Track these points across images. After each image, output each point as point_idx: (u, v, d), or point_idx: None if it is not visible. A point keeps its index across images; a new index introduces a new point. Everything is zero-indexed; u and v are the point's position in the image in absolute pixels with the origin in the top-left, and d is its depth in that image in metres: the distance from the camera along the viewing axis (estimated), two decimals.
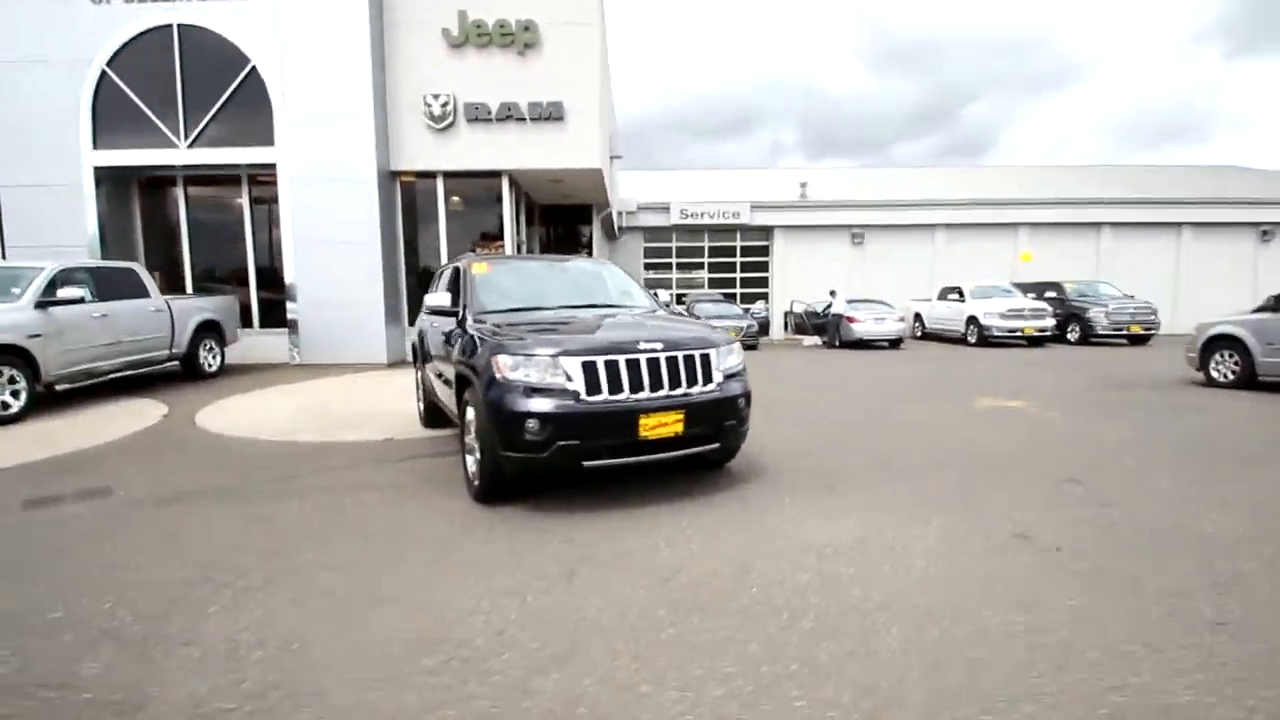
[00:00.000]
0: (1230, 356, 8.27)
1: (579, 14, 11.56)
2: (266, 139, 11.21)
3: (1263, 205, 21.34)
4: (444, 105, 11.58)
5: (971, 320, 16.79)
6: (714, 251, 22.49)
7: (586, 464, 3.56)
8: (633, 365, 3.62)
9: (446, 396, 4.79)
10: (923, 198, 22.18)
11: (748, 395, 4.06)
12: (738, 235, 22.22)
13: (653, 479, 4.23)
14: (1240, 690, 1.94)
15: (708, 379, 3.86)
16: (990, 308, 16.43)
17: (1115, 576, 2.77)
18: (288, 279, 11.48)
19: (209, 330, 9.83)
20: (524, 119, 11.65)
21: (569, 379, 3.52)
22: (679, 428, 3.68)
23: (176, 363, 9.34)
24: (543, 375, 3.53)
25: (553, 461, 3.50)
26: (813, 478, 4.35)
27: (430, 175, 12.09)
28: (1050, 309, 16.55)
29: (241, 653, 2.21)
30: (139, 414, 7.12)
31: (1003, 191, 22.92)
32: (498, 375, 3.56)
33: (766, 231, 21.97)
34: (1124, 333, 16.28)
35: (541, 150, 11.76)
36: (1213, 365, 8.52)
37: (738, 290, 22.05)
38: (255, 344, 11.50)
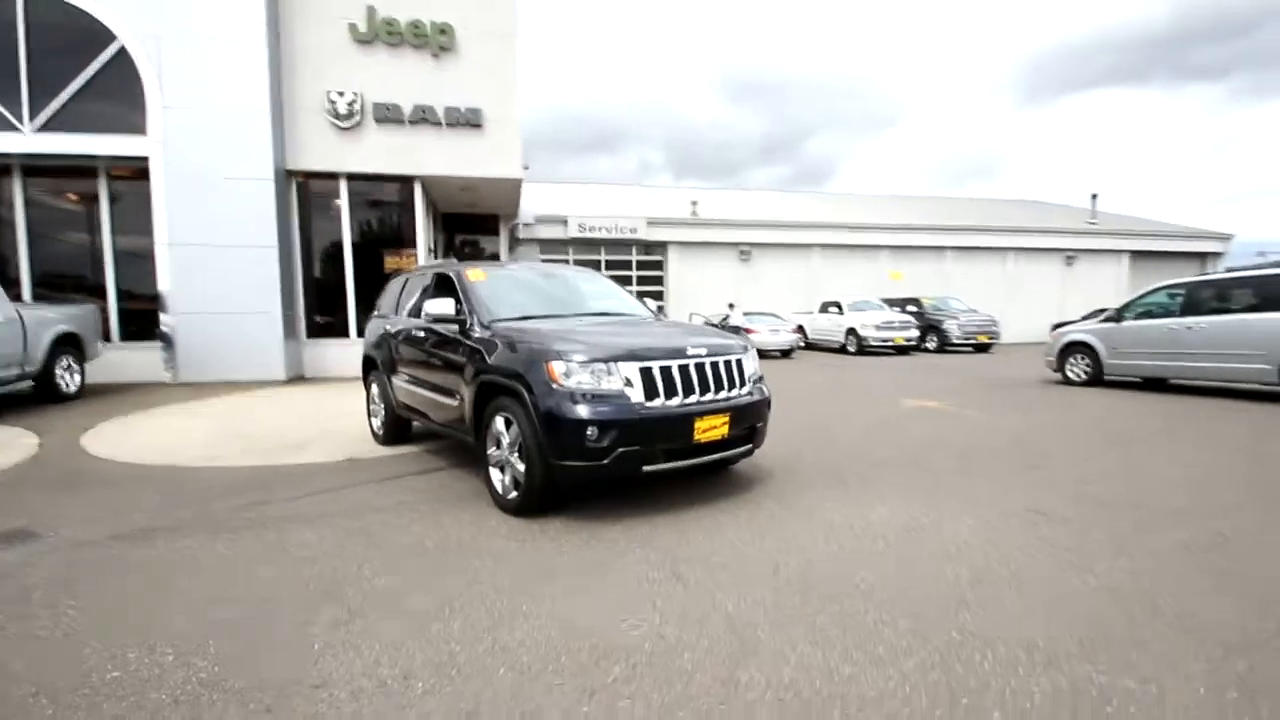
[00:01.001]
0: (1083, 359, 9.85)
1: (497, 22, 11.36)
2: (135, 127, 9.80)
3: (1068, 234, 25.56)
4: (350, 103, 10.82)
5: (851, 331, 18.42)
6: (610, 265, 22.73)
7: (646, 469, 3.54)
8: (684, 370, 3.67)
9: (444, 408, 4.51)
10: (802, 220, 24.04)
11: (769, 399, 4.25)
12: (633, 250, 22.68)
13: (662, 486, 4.26)
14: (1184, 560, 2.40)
15: (743, 382, 4.01)
16: (866, 320, 18.19)
17: (1122, 534, 3.27)
18: (161, 286, 10.06)
19: (67, 345, 8.38)
20: (439, 123, 11.20)
21: (628, 384, 3.50)
22: (725, 430, 3.78)
23: (29, 383, 7.84)
24: (599, 381, 3.47)
25: (613, 469, 3.44)
26: (818, 475, 4.62)
27: (332, 177, 11.21)
28: (914, 321, 18.63)
29: (399, 687, 1.98)
30: (2, 445, 5.91)
31: (865, 217, 25.46)
32: (553, 383, 3.45)
33: (661, 247, 22.63)
34: (972, 341, 18.70)
35: (458, 157, 11.35)
36: (1068, 367, 10.10)
37: None
38: (119, 360, 9.94)
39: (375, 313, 6.39)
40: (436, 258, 13.48)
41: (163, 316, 10.09)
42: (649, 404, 3.51)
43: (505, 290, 4.71)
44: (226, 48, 9.91)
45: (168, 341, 10.11)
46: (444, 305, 4.36)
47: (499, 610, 2.52)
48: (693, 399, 3.66)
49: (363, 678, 2.04)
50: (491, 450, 3.93)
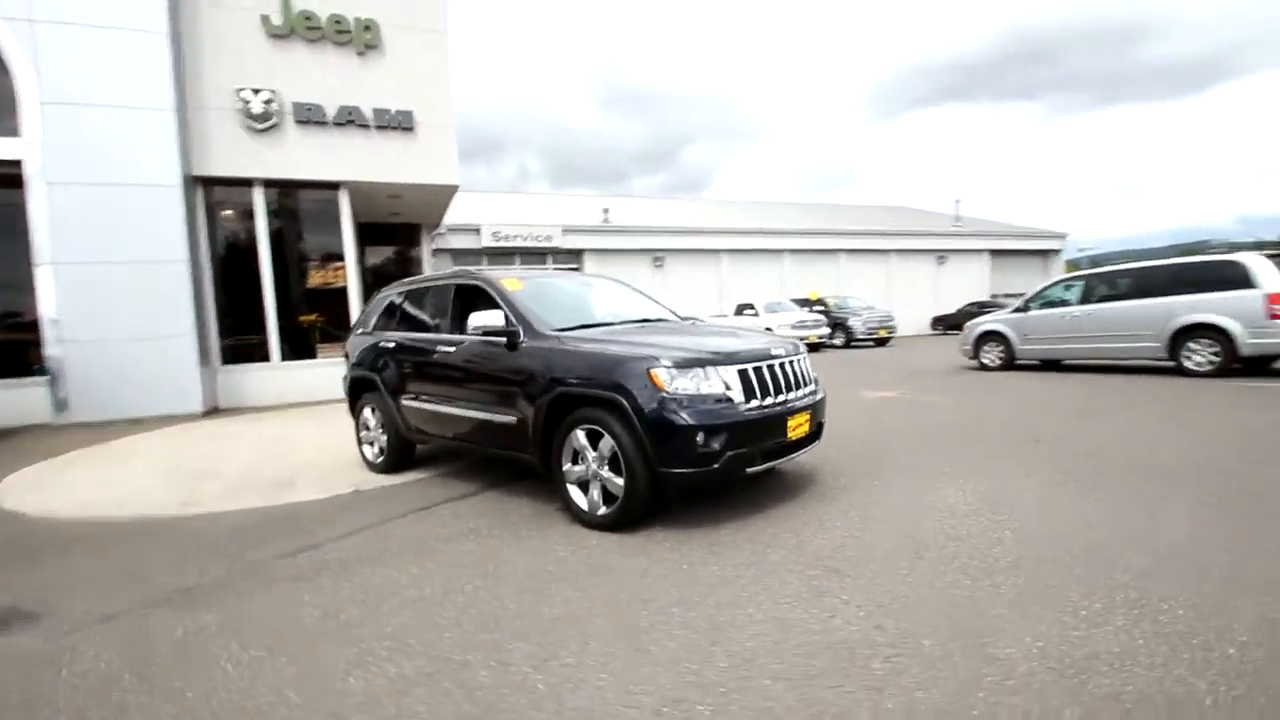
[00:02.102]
0: (997, 346, 11.00)
1: (426, 19, 10.85)
2: (5, 128, 8.33)
3: (939, 236, 28.32)
4: (266, 103, 9.87)
5: (768, 331, 19.31)
6: None
7: (749, 470, 3.55)
8: (771, 371, 3.72)
9: (491, 428, 4.22)
10: (712, 227, 24.87)
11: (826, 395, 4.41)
12: (549, 259, 22.38)
13: (713, 492, 4.28)
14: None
15: (810, 380, 4.13)
16: (782, 320, 19.13)
17: (1136, 484, 3.72)
18: (43, 311, 8.61)
19: None
20: (368, 126, 10.50)
21: (727, 388, 3.49)
22: (808, 427, 3.88)
23: None
24: (700, 386, 3.44)
25: (722, 472, 3.42)
26: (854, 465, 4.81)
27: (247, 183, 10.15)
28: (824, 320, 19.87)
29: (700, 709, 1.87)
30: None
31: (769, 223, 26.80)
32: (659, 390, 3.37)
33: (577, 254, 22.51)
34: (874, 336, 20.23)
35: (389, 162, 10.70)
36: (983, 354, 11.23)
37: None
38: None
39: (359, 330, 5.88)
40: (362, 271, 12.58)
41: (47, 347, 8.63)
42: (747, 405, 3.53)
43: (549, 299, 4.52)
44: (120, 37, 8.68)
45: (54, 375, 8.66)
46: (493, 317, 4.12)
47: (705, 623, 2.43)
48: (781, 399, 3.72)
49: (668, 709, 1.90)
50: (569, 466, 3.77)
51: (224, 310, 10.26)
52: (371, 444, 5.54)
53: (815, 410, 3.98)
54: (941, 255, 28.34)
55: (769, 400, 3.63)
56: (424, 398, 4.86)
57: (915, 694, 1.92)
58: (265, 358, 10.44)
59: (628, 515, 3.52)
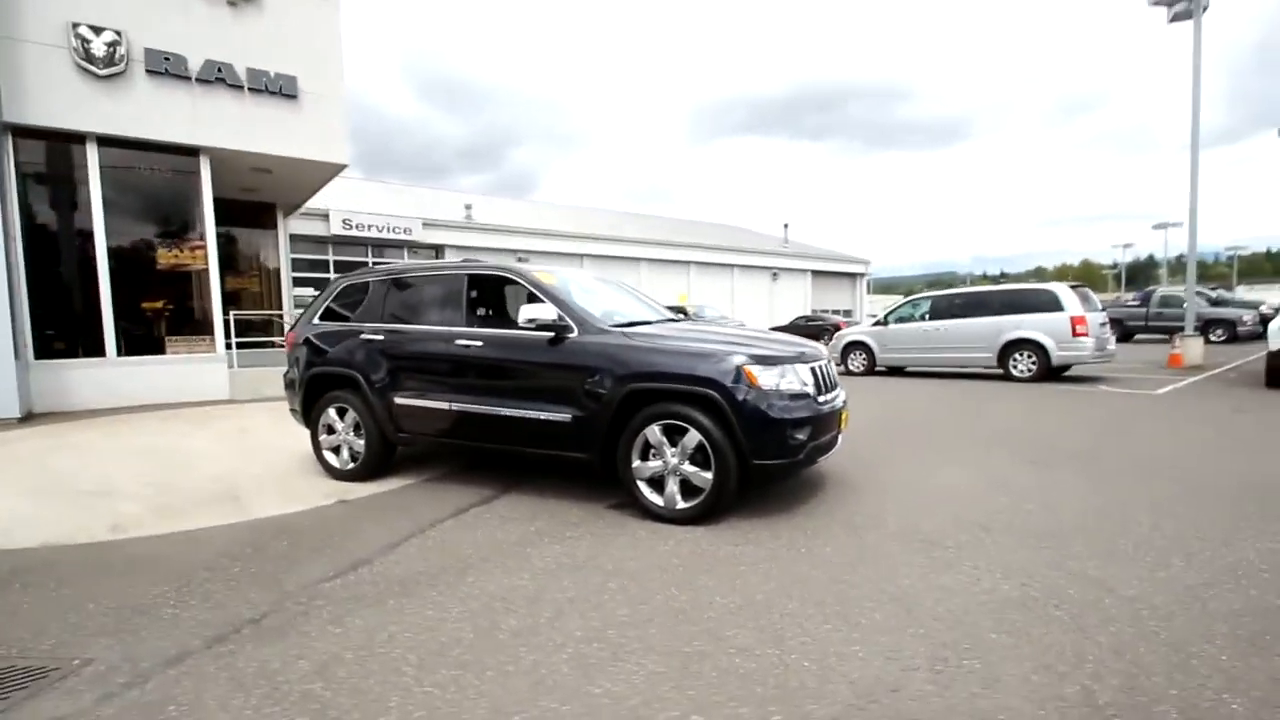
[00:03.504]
0: (861, 354, 12.57)
1: None
2: None
3: (772, 255, 31.28)
4: (110, 45, 8.17)
5: None
6: None
7: (818, 459, 3.82)
8: (824, 370, 4.04)
9: (529, 425, 4.02)
10: (575, 231, 24.96)
11: None
12: (405, 253, 20.90)
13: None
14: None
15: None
16: None
17: (981, 448, 4.69)
18: None
19: None
20: (240, 87, 9.16)
21: (804, 384, 3.74)
22: (846, 423, 4.27)
23: None
24: (785, 382, 3.64)
25: (806, 462, 3.67)
26: (852, 454, 5.29)
27: (79, 139, 8.28)
28: None
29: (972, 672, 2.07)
30: None
31: (625, 231, 27.56)
32: (753, 386, 3.52)
33: (437, 251, 21.30)
34: None
35: (265, 132, 9.40)
36: (850, 361, 12.76)
37: None
38: None
39: (311, 319, 5.19)
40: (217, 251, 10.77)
41: None
42: (819, 400, 3.81)
43: (587, 294, 4.42)
44: None
45: None
46: (544, 310, 3.95)
47: (884, 595, 2.64)
48: (835, 395, 4.06)
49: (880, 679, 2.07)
50: (639, 463, 3.75)
51: (40, 292, 8.22)
52: (338, 449, 4.91)
53: (845, 405, 4.39)
54: (775, 272, 31.35)
55: (828, 396, 3.95)
56: (431, 395, 4.45)
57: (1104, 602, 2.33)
58: (98, 351, 8.55)
59: (715, 507, 3.60)
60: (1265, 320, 18.50)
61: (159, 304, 9.15)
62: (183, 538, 3.74)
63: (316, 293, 5.59)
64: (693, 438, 3.59)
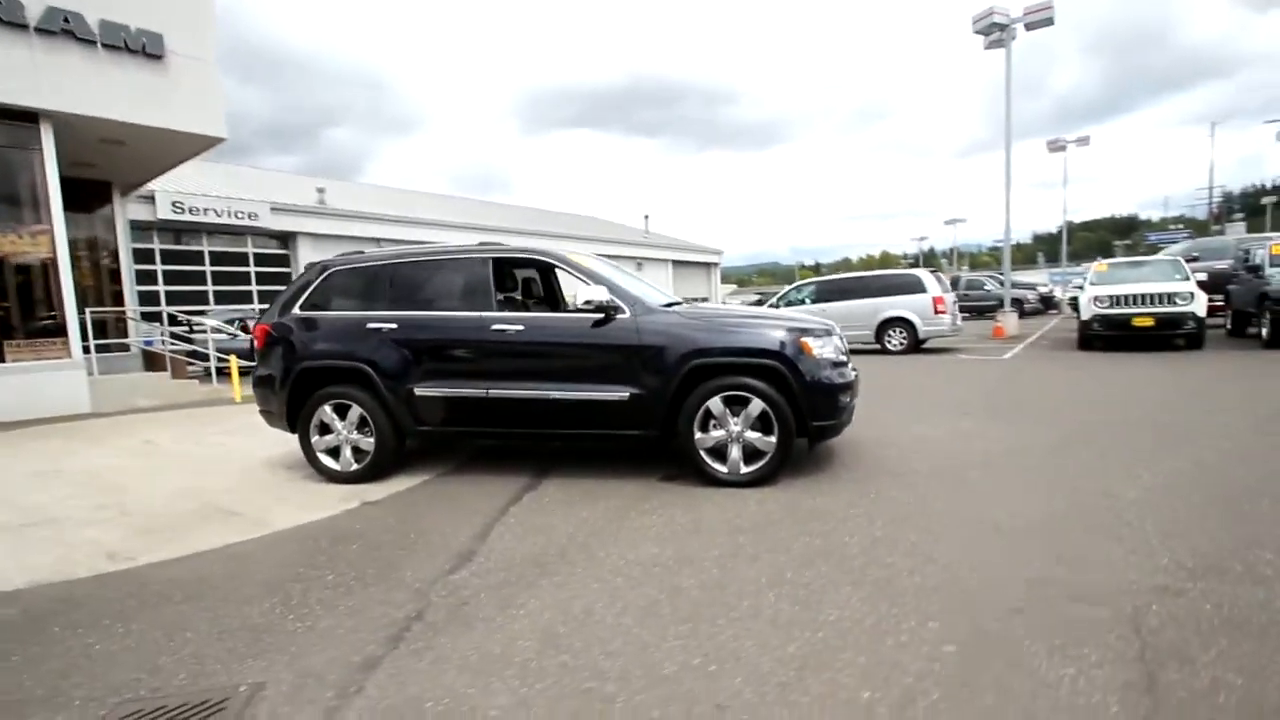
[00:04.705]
0: None
1: None
2: None
3: (637, 245, 32.17)
4: None
5: None
6: (218, 259, 18.10)
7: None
8: (844, 342, 4.55)
9: (585, 407, 4.08)
10: (439, 219, 23.76)
11: None
12: (250, 240, 18.60)
13: None
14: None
15: None
16: None
17: (1057, 409, 5.74)
18: None
19: None
20: (92, 42, 7.77)
21: (839, 352, 4.21)
22: None
23: None
24: (830, 351, 4.08)
25: (848, 423, 4.16)
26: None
27: None
28: None
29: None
30: None
31: (488, 220, 26.77)
32: (811, 356, 3.91)
33: (287, 239, 19.22)
34: None
35: (124, 96, 8.04)
36: None
37: (255, 306, 18.48)
38: None
39: (292, 309, 4.70)
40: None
41: None
42: (851, 369, 4.31)
43: (625, 277, 4.52)
44: None
45: None
46: (598, 292, 4.04)
47: (971, 528, 3.17)
48: (851, 363, 4.59)
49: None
50: (700, 434, 3.99)
51: None
52: (336, 450, 4.53)
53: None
54: (640, 262, 32.30)
55: (851, 364, 4.47)
56: (461, 384, 4.30)
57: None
58: None
59: (776, 469, 3.96)
60: (1045, 299, 22.83)
61: None
62: (213, 556, 3.33)
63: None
64: (755, 406, 3.90)
